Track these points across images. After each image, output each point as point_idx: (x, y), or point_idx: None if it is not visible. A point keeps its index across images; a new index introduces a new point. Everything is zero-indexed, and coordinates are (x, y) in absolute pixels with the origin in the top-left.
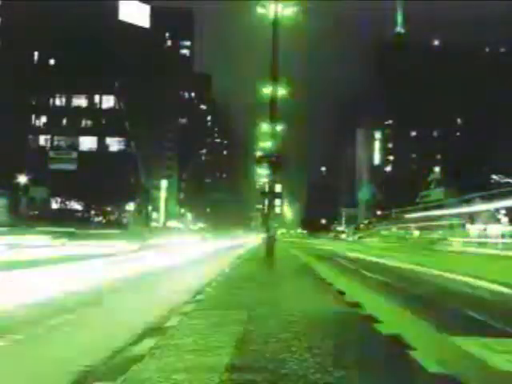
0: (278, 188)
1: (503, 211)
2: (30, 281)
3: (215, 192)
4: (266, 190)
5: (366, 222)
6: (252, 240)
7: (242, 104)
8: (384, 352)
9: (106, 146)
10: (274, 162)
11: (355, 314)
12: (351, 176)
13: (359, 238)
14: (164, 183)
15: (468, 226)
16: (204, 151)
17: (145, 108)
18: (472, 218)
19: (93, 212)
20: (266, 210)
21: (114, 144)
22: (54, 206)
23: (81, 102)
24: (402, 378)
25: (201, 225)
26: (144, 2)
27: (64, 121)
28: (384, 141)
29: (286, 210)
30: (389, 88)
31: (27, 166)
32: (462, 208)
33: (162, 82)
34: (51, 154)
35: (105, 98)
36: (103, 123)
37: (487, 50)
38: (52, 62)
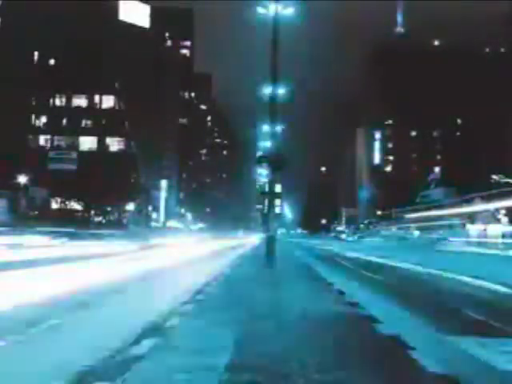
0: (278, 188)
1: (503, 211)
2: (29, 281)
3: (215, 192)
4: (266, 190)
5: (366, 222)
6: (252, 240)
7: (242, 104)
8: (384, 352)
9: (106, 146)
10: (274, 161)
11: (355, 314)
12: (351, 176)
13: (359, 237)
14: (164, 183)
15: (468, 225)
16: (204, 151)
17: (145, 108)
18: (472, 218)
19: (93, 212)
20: (265, 210)
21: (114, 144)
22: (54, 206)
23: (81, 101)
24: (402, 378)
25: (201, 225)
26: (144, 2)
27: (64, 121)
28: (384, 141)
29: (286, 209)
30: (389, 88)
31: (27, 166)
32: (461, 208)
33: (162, 81)
34: (51, 154)
35: (105, 97)
36: (103, 123)
37: (487, 50)
38: (52, 62)
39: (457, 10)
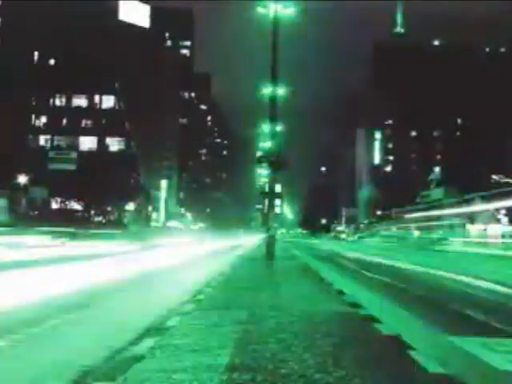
0: (278, 188)
1: (503, 211)
2: (29, 281)
3: (215, 192)
4: (266, 190)
5: (366, 222)
6: (252, 240)
7: (242, 104)
8: (384, 352)
9: (106, 146)
10: (274, 162)
11: (355, 314)
12: (351, 176)
13: (359, 237)
14: (164, 183)
15: (468, 226)
16: (204, 151)
17: (145, 108)
18: (472, 218)
19: (93, 212)
20: (266, 210)
21: (114, 144)
22: (54, 206)
23: (81, 101)
24: (402, 378)
25: (201, 225)
26: (144, 2)
27: (64, 121)
28: (384, 141)
29: (286, 210)
30: (389, 88)
31: (27, 166)
32: (461, 208)
33: (162, 82)
34: (51, 154)
35: (105, 97)
36: (103, 123)
37: (487, 49)
38: (52, 62)
39: (457, 9)
